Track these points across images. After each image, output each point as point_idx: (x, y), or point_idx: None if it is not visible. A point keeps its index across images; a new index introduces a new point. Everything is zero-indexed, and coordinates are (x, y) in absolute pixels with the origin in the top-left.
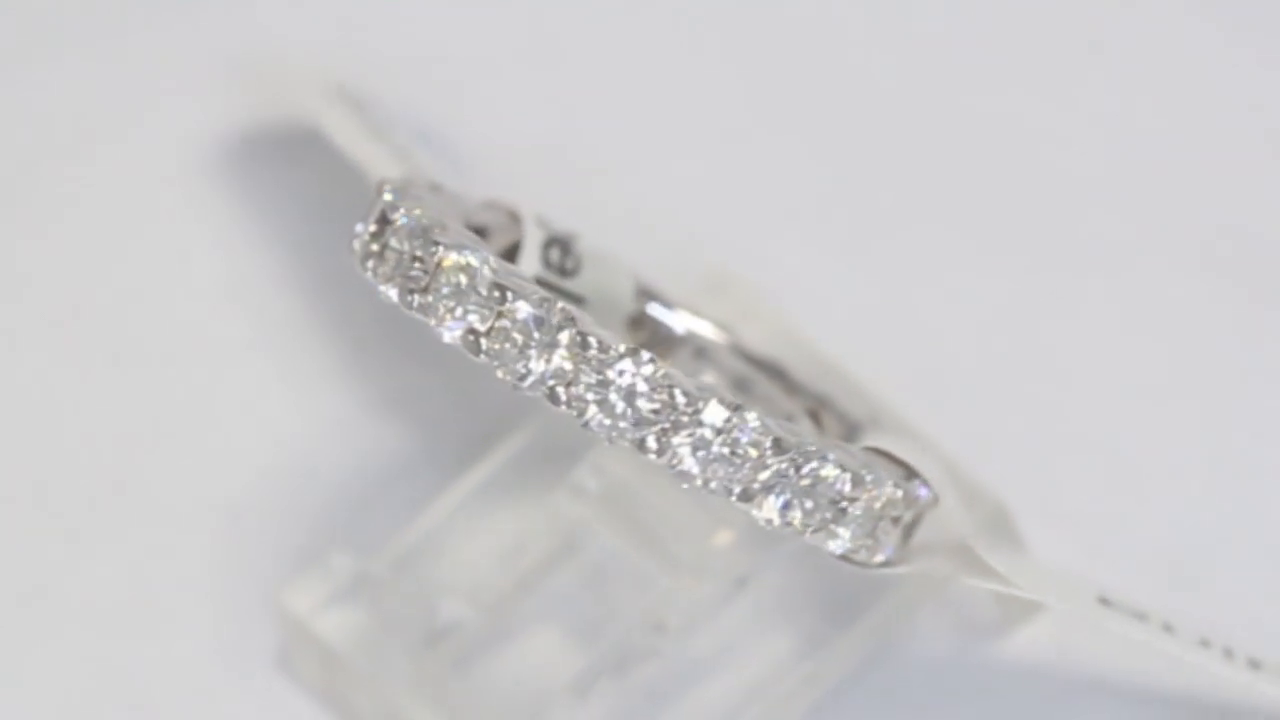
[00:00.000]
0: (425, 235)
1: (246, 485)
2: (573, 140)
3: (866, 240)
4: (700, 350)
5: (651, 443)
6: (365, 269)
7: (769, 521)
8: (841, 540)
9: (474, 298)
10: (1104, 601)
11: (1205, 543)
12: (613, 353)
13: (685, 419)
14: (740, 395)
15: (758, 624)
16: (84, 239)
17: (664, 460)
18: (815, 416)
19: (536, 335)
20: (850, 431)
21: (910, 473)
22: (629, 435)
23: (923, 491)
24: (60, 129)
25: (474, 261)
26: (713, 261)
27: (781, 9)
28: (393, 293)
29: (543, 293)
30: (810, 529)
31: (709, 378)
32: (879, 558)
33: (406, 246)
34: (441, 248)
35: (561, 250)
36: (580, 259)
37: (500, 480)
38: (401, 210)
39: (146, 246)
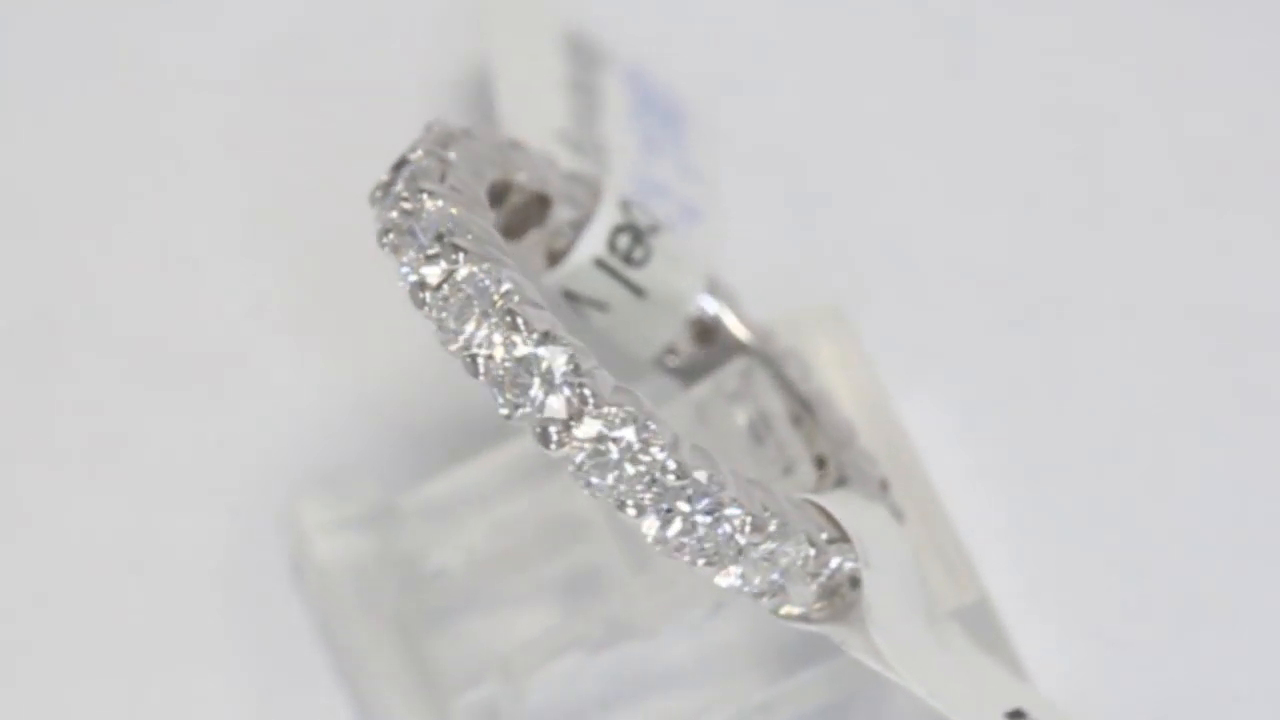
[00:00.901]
0: (442, 239)
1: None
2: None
3: None
4: (747, 371)
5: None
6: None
7: (651, 538)
8: (731, 577)
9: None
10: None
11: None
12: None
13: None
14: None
15: (727, 647)
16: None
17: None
18: (821, 463)
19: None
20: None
21: (842, 537)
22: (535, 419)
23: (839, 560)
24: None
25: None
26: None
27: None
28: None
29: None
30: (701, 559)
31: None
32: (787, 610)
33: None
34: (461, 260)
35: (633, 239)
36: (651, 252)
37: (535, 456)
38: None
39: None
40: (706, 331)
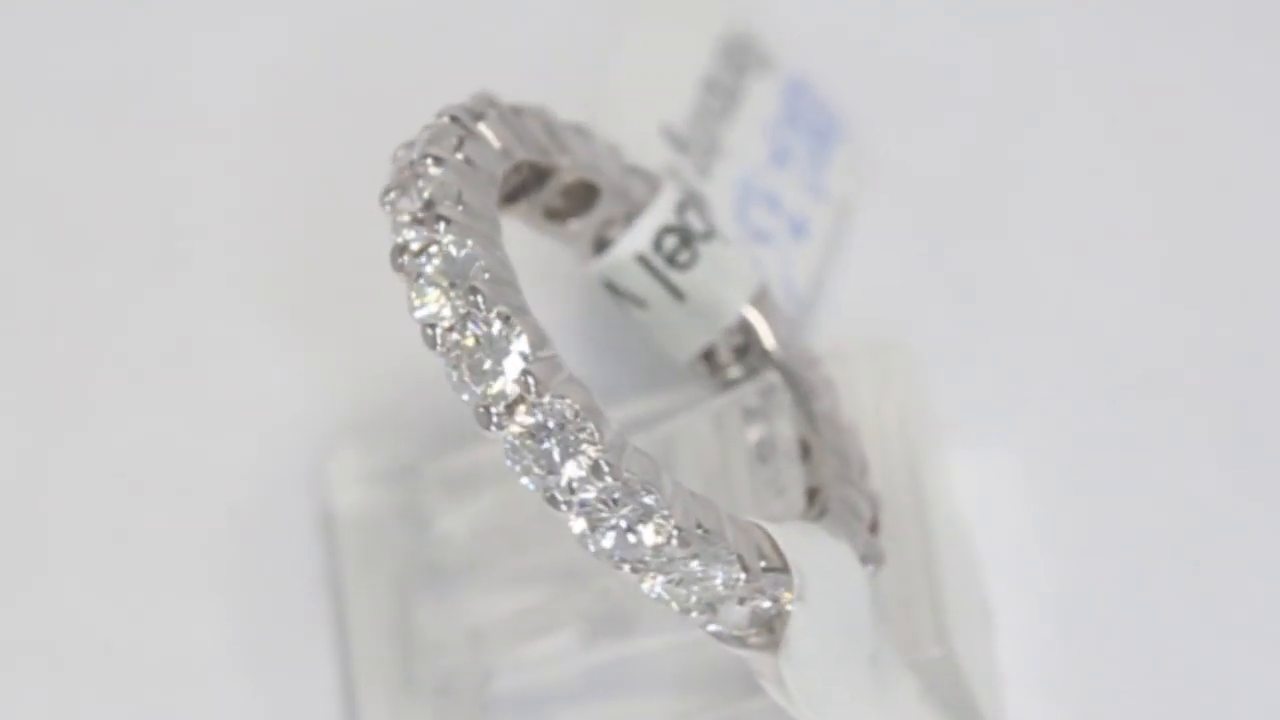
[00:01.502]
0: (431, 206)
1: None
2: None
3: None
4: (769, 390)
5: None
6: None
7: (576, 536)
8: (655, 587)
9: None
10: None
11: None
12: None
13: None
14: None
15: (709, 656)
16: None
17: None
18: (813, 495)
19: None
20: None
21: (781, 567)
22: (478, 398)
23: (766, 600)
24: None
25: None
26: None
27: None
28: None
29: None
30: (625, 565)
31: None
32: (716, 629)
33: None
34: (443, 230)
35: (681, 241)
36: (697, 257)
37: None
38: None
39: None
40: (744, 345)
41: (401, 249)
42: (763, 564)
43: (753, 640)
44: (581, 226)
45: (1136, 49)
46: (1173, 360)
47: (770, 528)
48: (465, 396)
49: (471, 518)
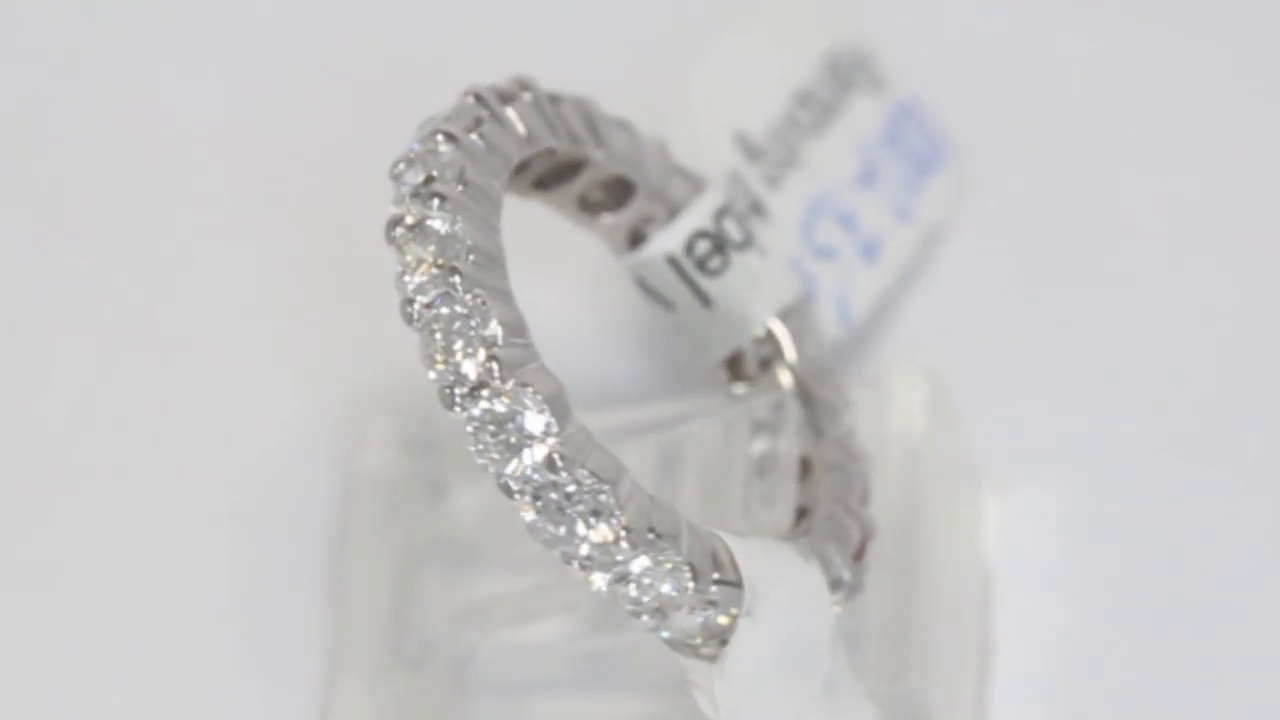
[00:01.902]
0: (430, 183)
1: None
2: None
3: None
4: (781, 405)
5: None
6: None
7: (527, 525)
8: (600, 584)
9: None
10: None
11: None
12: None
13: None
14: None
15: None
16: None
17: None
18: (802, 514)
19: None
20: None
21: (735, 581)
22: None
23: (719, 614)
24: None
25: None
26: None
27: None
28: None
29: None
30: (574, 560)
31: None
32: (665, 635)
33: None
34: (435, 207)
35: (714, 247)
36: (729, 265)
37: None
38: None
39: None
40: (769, 358)
41: (395, 221)
42: (716, 575)
43: (704, 651)
44: (614, 221)
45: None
46: (1226, 425)
47: (731, 540)
48: (432, 375)
49: (485, 497)
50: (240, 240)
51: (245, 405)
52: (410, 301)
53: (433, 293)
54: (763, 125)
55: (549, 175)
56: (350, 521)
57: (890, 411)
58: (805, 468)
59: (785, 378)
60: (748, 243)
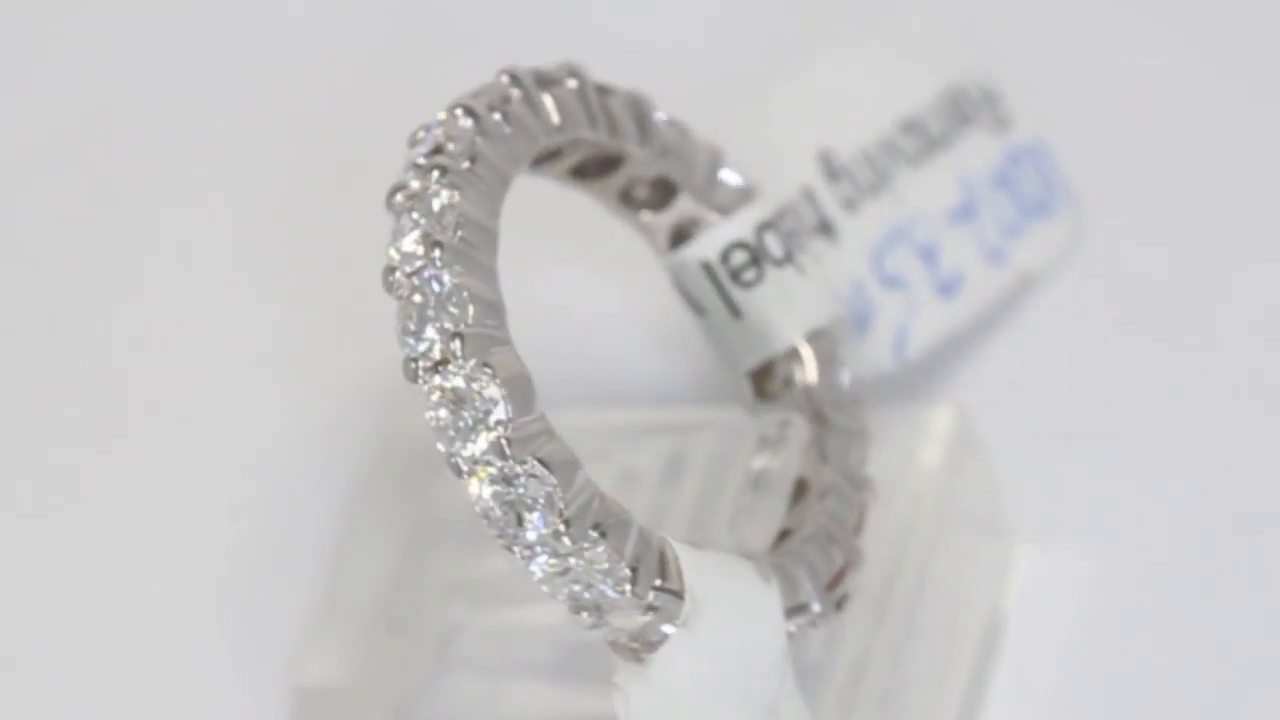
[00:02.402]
0: (437, 153)
1: None
2: None
3: None
4: (787, 425)
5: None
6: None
7: (472, 501)
8: (536, 572)
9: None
10: None
11: None
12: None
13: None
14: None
15: None
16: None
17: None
18: (784, 535)
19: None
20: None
21: (676, 592)
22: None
23: (661, 622)
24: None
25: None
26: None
27: None
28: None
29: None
30: (517, 546)
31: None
32: (602, 633)
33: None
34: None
35: (750, 259)
36: (763, 279)
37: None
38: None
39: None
40: (791, 376)
41: (397, 188)
42: (657, 582)
43: (644, 655)
44: (654, 220)
45: None
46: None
47: (682, 549)
48: (401, 346)
49: None
50: (239, 244)
51: (241, 403)
52: (392, 270)
53: (415, 264)
54: (853, 147)
55: (589, 166)
56: (371, 487)
57: (913, 448)
58: (801, 489)
59: (802, 398)
60: (787, 259)
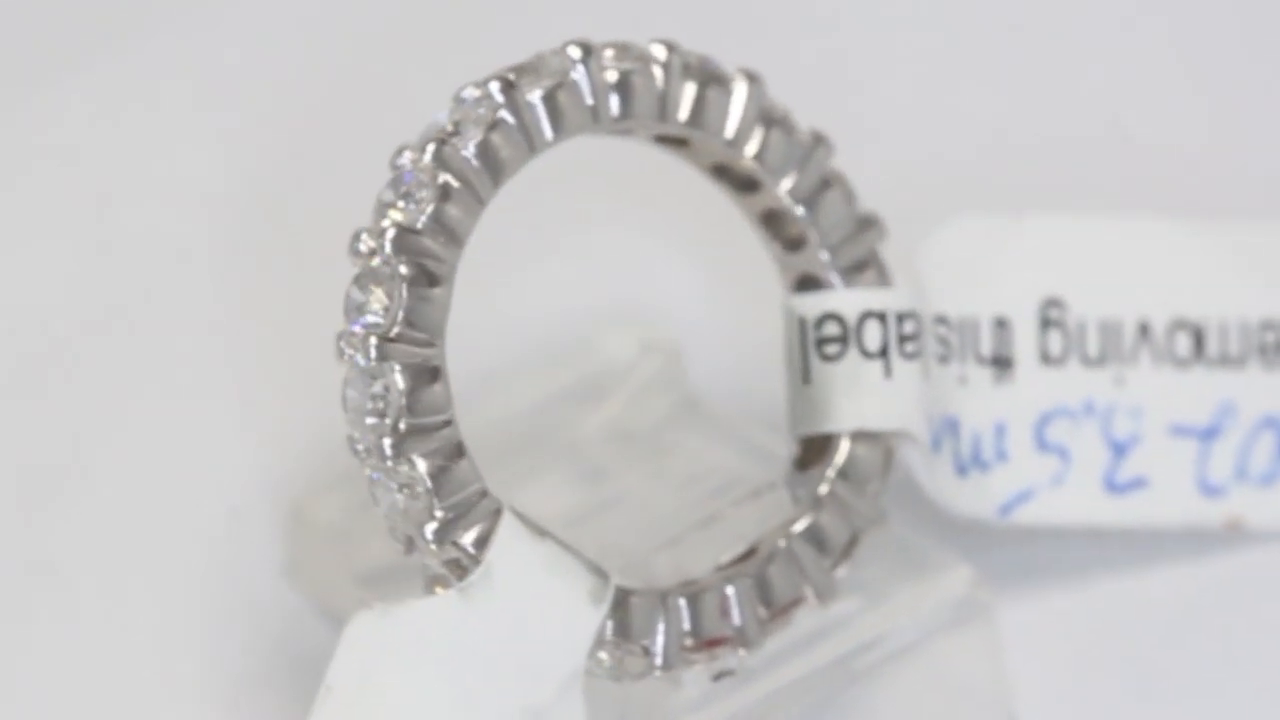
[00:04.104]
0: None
1: None
2: None
3: None
4: (767, 491)
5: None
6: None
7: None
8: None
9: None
10: None
11: None
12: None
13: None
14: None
15: None
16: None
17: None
18: (750, 552)
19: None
20: None
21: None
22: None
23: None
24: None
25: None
26: None
27: None
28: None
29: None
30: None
31: None
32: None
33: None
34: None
35: (841, 336)
36: (843, 359)
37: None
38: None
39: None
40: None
41: (402, 149)
42: (459, 540)
43: (437, 589)
44: (784, 257)
45: None
46: None
47: (518, 529)
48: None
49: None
50: (201, 279)
51: (202, 450)
52: (357, 237)
53: (378, 241)
54: (1094, 312)
55: (739, 182)
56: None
57: (917, 601)
58: (750, 551)
59: (824, 487)
60: (879, 354)
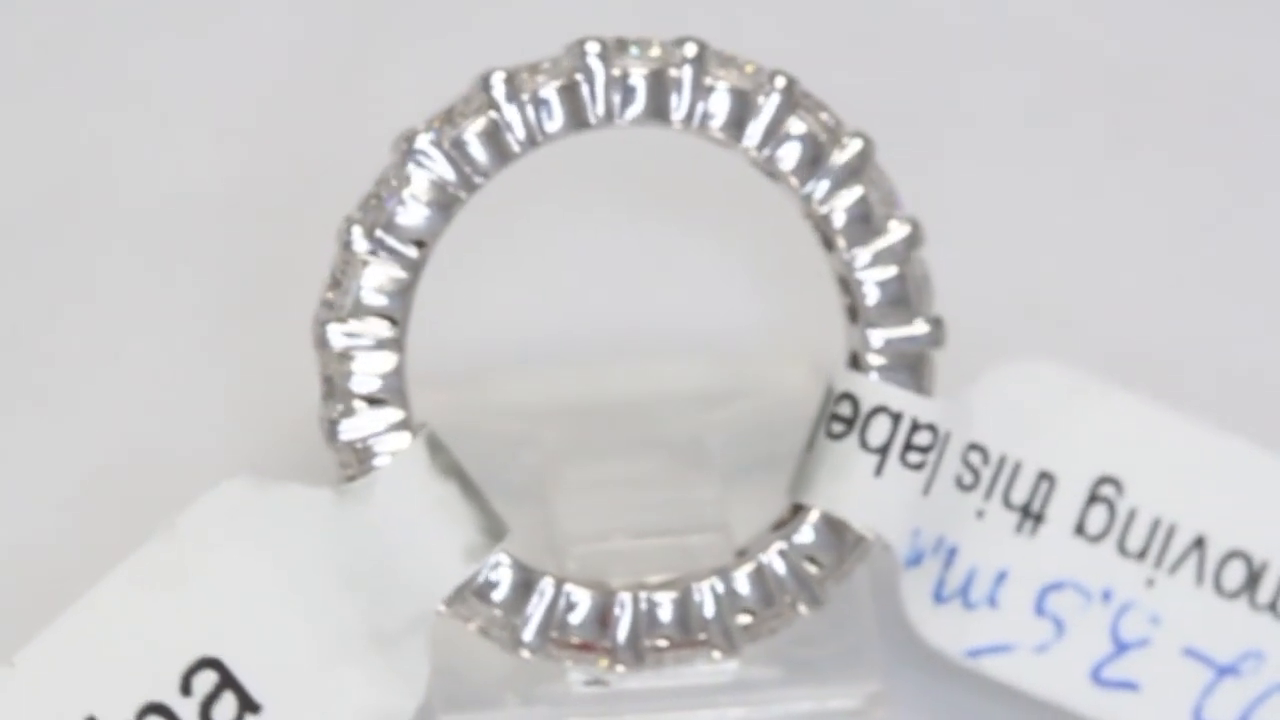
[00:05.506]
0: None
1: None
2: None
3: None
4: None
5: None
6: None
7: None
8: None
9: None
10: None
11: None
12: None
13: None
14: None
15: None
16: None
17: None
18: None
19: None
20: None
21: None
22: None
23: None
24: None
25: None
26: None
27: None
28: None
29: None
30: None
31: None
32: None
33: None
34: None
35: (848, 421)
36: (843, 442)
37: None
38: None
39: None
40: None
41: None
42: (360, 442)
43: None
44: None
45: None
46: None
47: (426, 448)
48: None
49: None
50: (178, 268)
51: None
52: (347, 221)
53: (367, 228)
54: (1153, 506)
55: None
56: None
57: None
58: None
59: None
60: (877, 451)
